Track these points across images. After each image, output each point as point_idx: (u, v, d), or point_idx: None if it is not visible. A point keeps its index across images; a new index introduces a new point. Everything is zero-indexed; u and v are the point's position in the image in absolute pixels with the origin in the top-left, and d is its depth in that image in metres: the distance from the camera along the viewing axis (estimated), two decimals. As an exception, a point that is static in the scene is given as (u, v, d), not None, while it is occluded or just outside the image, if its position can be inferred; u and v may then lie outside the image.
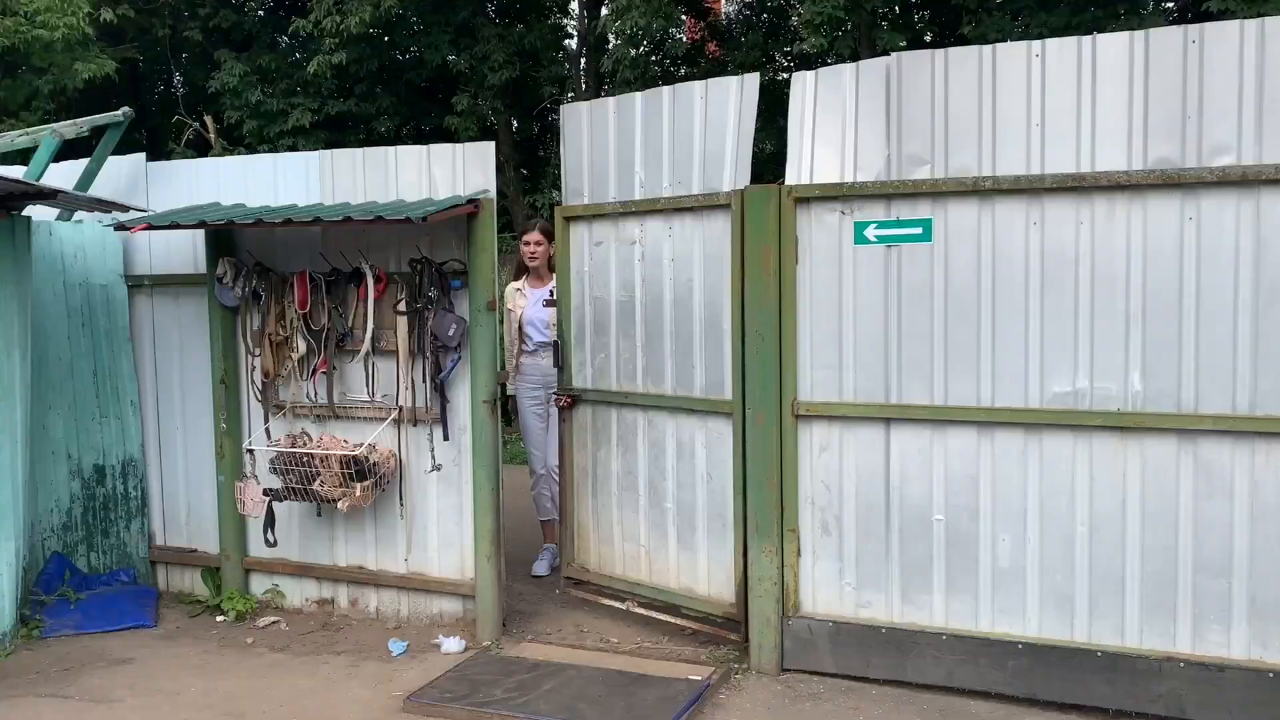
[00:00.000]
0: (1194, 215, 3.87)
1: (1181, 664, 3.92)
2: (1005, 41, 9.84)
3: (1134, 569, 4.00)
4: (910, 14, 10.59)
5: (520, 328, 5.87)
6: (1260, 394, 3.81)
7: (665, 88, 4.96)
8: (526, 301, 5.87)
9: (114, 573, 5.81)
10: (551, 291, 5.48)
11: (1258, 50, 3.76)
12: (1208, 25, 3.88)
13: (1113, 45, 3.97)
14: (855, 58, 10.25)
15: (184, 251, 5.62)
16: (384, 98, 13.35)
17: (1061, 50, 4.03)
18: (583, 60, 13.67)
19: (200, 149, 12.90)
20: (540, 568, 6.03)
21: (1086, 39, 4.03)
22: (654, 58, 13.27)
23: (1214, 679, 3.87)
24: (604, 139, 5.11)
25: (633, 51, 11.88)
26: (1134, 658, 3.97)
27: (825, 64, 11.64)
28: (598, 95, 13.89)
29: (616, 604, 5.16)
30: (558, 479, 5.53)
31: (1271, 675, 3.81)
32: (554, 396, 5.42)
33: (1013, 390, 4.12)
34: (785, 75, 13.25)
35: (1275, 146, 3.76)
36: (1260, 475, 3.83)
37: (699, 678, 4.41)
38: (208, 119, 13.01)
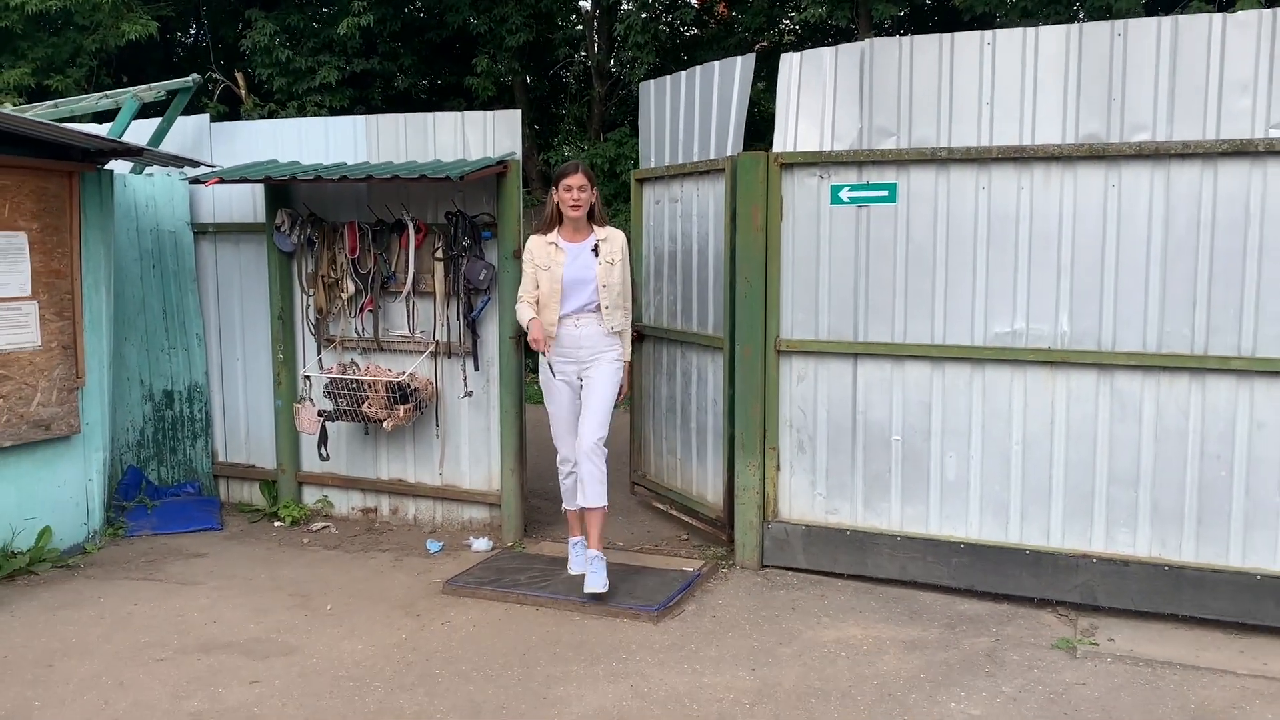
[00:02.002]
0: (1116, 183, 4.57)
1: (1094, 560, 4.69)
2: (993, 14, 10.48)
3: (1058, 481, 4.76)
4: (905, -14, 11.20)
5: (562, 289, 4.84)
6: (1165, 335, 4.53)
7: (698, 67, 5.72)
8: (566, 257, 4.84)
9: (181, 485, 6.62)
10: (596, 247, 4.86)
11: (1171, 45, 4.45)
12: (1131, 21, 4.56)
13: (1052, 36, 4.66)
14: (852, 26, 10.90)
15: (244, 202, 6.36)
16: (405, 56, 13.95)
17: (1009, 40, 4.71)
18: (595, 22, 14.24)
19: (231, 105, 13.57)
20: (596, 581, 4.80)
21: (1031, 30, 4.71)
22: (665, 18, 13.85)
23: (1120, 572, 4.64)
24: (662, 111, 6.09)
25: (644, 15, 12.48)
26: (1056, 555, 4.75)
27: (826, 30, 12.28)
28: (610, 57, 14.52)
29: (661, 506, 6.21)
30: (602, 452, 4.85)
31: (1167, 569, 4.57)
32: (617, 362, 4.92)
33: (961, 330, 4.86)
34: (791, 39, 13.87)
35: (1184, 126, 4.45)
36: (1164, 403, 4.56)
37: (691, 569, 5.22)
38: (238, 76, 13.65)
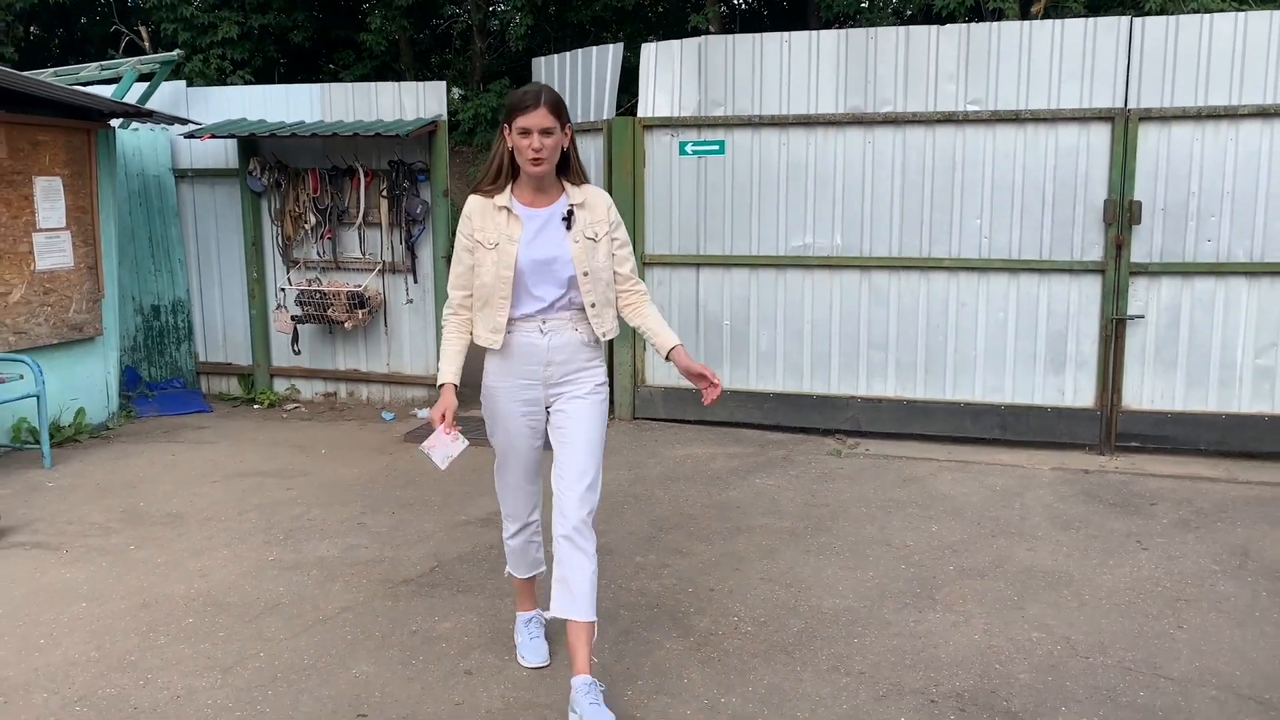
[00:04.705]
0: (871, 141, 6.68)
1: (860, 400, 6.88)
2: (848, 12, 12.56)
3: (835, 348, 6.91)
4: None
5: (515, 277, 3.24)
6: (904, 245, 6.70)
7: (580, 50, 7.54)
8: (522, 230, 3.24)
9: (169, 380, 8.22)
10: (569, 214, 3.27)
11: (905, 46, 6.55)
12: (880, 29, 6.66)
13: (829, 37, 6.71)
14: (700, 3, 12.81)
15: (218, 152, 7.94)
16: (299, 12, 15.24)
17: (800, 40, 6.73)
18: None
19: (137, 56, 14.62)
20: (532, 653, 3.68)
21: (814, 34, 6.76)
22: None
23: (876, 407, 6.85)
24: (550, 82, 7.79)
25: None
26: (834, 398, 6.92)
27: (684, 3, 14.15)
28: (488, 15, 16.08)
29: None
30: (593, 531, 3.29)
31: (906, 403, 6.79)
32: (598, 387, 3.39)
33: (769, 245, 6.93)
34: (651, 2, 15.69)
35: (914, 101, 6.57)
36: (903, 291, 6.74)
37: (584, 420, 7.21)
38: (142, 30, 14.71)
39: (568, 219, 3.29)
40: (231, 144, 7.79)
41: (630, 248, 3.44)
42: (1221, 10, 9.27)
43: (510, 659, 3.75)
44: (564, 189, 3.35)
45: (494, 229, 3.28)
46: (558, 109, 3.19)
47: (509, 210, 3.28)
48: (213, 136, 7.24)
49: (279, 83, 14.89)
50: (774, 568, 4.62)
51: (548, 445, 3.48)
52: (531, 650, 3.71)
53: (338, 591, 4.40)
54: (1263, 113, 6.00)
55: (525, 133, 3.18)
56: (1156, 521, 5.22)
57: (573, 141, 3.32)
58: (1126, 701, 3.46)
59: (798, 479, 5.98)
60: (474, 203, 3.34)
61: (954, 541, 4.95)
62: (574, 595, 3.23)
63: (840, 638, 3.93)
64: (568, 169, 3.35)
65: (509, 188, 3.31)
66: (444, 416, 3.36)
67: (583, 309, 3.34)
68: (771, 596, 4.31)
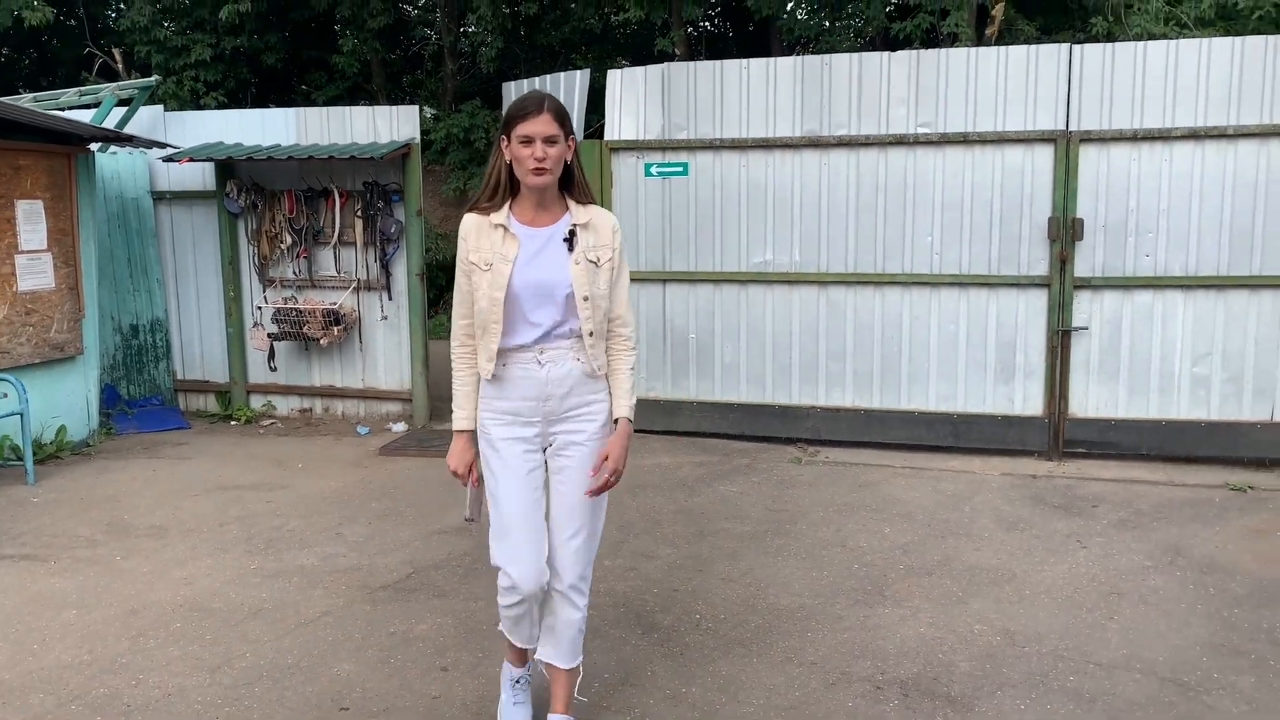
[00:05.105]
0: (826, 163, 6.98)
1: (820, 410, 7.15)
2: (780, 16, 12.99)
3: (795, 360, 7.19)
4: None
5: (508, 299, 3.02)
6: (859, 261, 6.99)
7: (548, 75, 7.80)
8: (519, 250, 3.02)
9: (147, 399, 8.38)
10: (571, 234, 3.04)
11: (858, 73, 6.86)
12: (835, 56, 6.97)
13: (786, 64, 7.02)
14: (666, 25, 13.16)
15: (195, 174, 8.13)
16: (272, 35, 15.45)
17: (758, 66, 7.03)
18: (445, 7, 16.03)
19: (110, 78, 14.77)
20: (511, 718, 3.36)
21: (772, 60, 7.06)
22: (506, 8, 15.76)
23: (835, 417, 7.13)
24: (569, 101, 7.94)
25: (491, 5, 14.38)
26: (795, 408, 7.19)
27: (651, 27, 14.47)
28: (460, 36, 16.34)
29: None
30: (586, 590, 3.21)
31: (864, 412, 7.07)
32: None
33: (732, 261, 7.20)
34: (619, 25, 16.01)
35: (867, 125, 6.88)
36: (859, 305, 7.04)
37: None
38: (115, 52, 14.86)
39: (570, 239, 3.04)
40: (209, 167, 7.98)
41: (628, 287, 3.18)
42: (1166, 35, 9.68)
43: (485, 656, 3.97)
44: (567, 207, 3.10)
45: (489, 248, 3.04)
46: (562, 117, 2.96)
47: (505, 228, 3.04)
48: (191, 160, 7.44)
49: (251, 104, 15.11)
50: (735, 569, 4.87)
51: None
52: (511, 716, 3.36)
53: (318, 597, 4.61)
54: (1194, 135, 6.35)
55: (527, 141, 2.94)
56: (1097, 522, 5.52)
57: (577, 155, 3.07)
58: (1058, 686, 3.73)
59: (760, 486, 6.23)
60: (470, 222, 3.10)
61: (905, 542, 5.22)
62: (559, 643, 3.22)
63: (795, 632, 4.18)
64: (571, 185, 3.11)
65: (507, 205, 3.07)
66: (470, 470, 3.16)
67: (578, 336, 3.07)
68: (732, 595, 4.56)
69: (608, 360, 3.16)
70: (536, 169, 2.95)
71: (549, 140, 2.95)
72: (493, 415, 3.14)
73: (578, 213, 3.09)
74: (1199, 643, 4.07)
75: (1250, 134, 6.27)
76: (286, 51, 15.84)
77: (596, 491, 3.08)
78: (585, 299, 3.04)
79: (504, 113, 3.05)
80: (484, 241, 3.06)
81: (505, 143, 3.01)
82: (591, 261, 3.05)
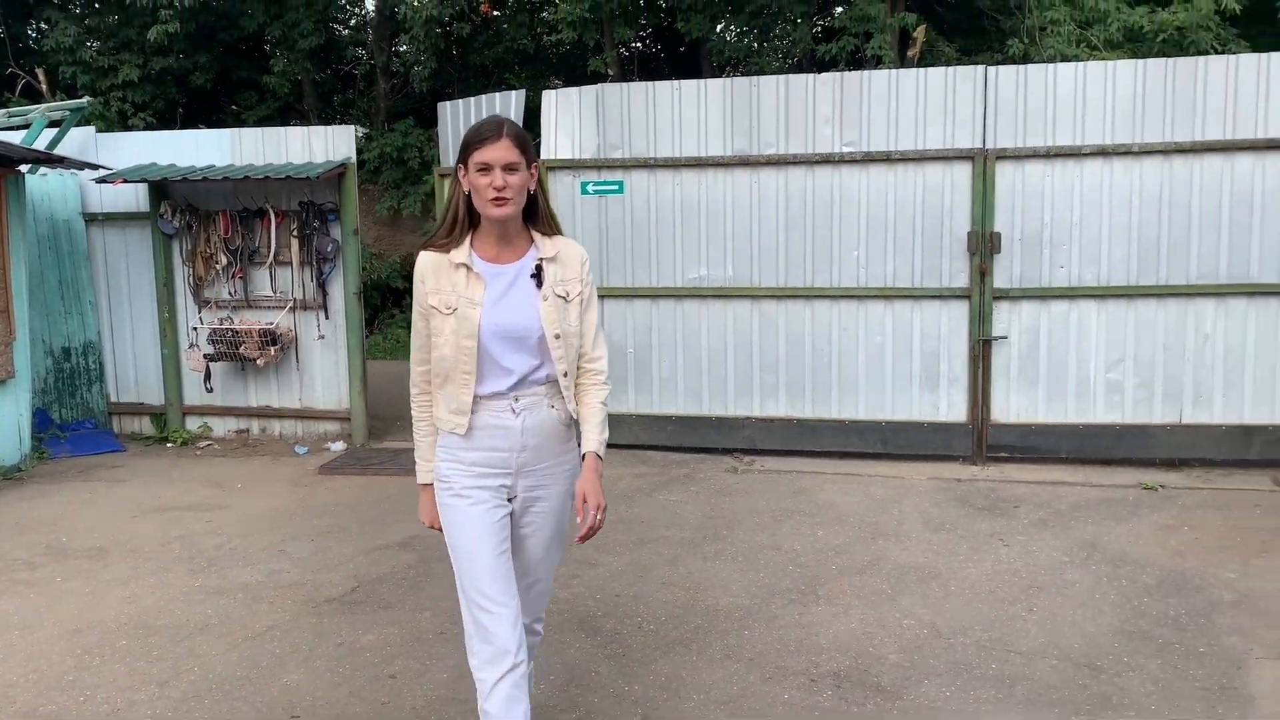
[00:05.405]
0: (757, 181, 7.21)
1: (755, 421, 7.35)
2: (710, 38, 13.27)
3: (730, 372, 7.39)
4: (639, 13, 13.78)
5: (479, 346, 2.83)
6: (789, 276, 7.22)
7: (484, 96, 7.89)
8: (485, 290, 2.84)
9: (80, 422, 8.29)
10: (539, 269, 2.86)
11: (785, 93, 7.10)
12: (763, 79, 7.21)
13: (716, 86, 7.24)
14: (599, 46, 13.37)
15: (128, 196, 8.09)
16: (201, 55, 15.33)
17: (690, 88, 7.24)
18: (370, 15, 16.03)
19: (34, 98, 14.52)
20: None
21: (703, 82, 7.28)
22: (440, 29, 15.80)
23: (770, 427, 7.33)
24: (457, 125, 8.01)
25: (421, 10, 14.21)
26: (731, 419, 7.38)
27: (584, 47, 14.66)
28: (391, 55, 16.36)
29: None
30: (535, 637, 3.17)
31: (797, 422, 7.29)
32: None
33: (667, 277, 7.38)
34: (551, 46, 16.18)
35: (795, 144, 7.12)
36: (790, 318, 7.26)
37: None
38: (39, 72, 14.61)
39: (537, 274, 2.85)
40: (142, 188, 7.96)
41: (598, 321, 3.01)
42: (1078, 57, 10.12)
43: (432, 663, 4.07)
44: (533, 240, 2.90)
45: (451, 291, 2.82)
46: (523, 142, 2.77)
47: (468, 268, 2.82)
48: (125, 181, 7.42)
49: (181, 124, 14.97)
50: (674, 574, 5.02)
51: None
52: None
53: (264, 611, 4.65)
54: (1102, 152, 6.69)
55: (485, 169, 2.74)
56: (1018, 522, 5.78)
57: (540, 184, 2.89)
58: (980, 673, 3.94)
59: (698, 494, 6.40)
60: (426, 261, 2.86)
61: (837, 544, 5.42)
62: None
63: (732, 631, 4.34)
64: (535, 216, 2.90)
65: (468, 240, 2.85)
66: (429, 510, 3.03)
67: (553, 381, 2.89)
68: (672, 599, 4.71)
69: (578, 396, 2.96)
70: (496, 199, 2.75)
71: (509, 168, 2.74)
72: (460, 469, 2.90)
73: (544, 245, 2.90)
74: (1111, 630, 4.31)
75: (1154, 151, 6.63)
76: (216, 72, 15.71)
77: (586, 536, 2.85)
78: (556, 336, 2.85)
79: (462, 140, 2.84)
80: (445, 283, 2.83)
81: (462, 171, 2.81)
82: (560, 296, 2.87)
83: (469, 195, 2.83)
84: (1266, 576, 4.85)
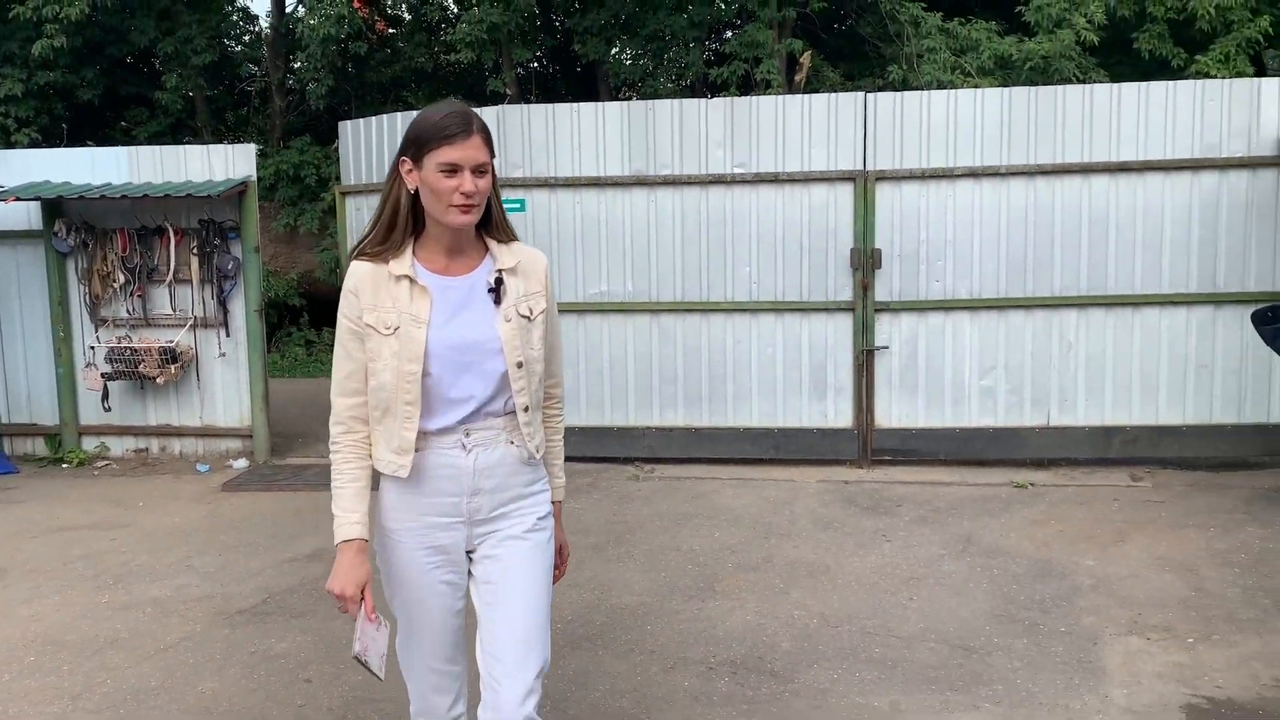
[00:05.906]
0: (654, 200, 7.50)
1: (655, 430, 7.63)
2: (607, 60, 13.57)
3: (631, 384, 7.65)
4: (536, 34, 14.04)
5: (426, 373, 2.42)
6: (685, 291, 7.52)
7: (385, 116, 8.01)
8: (433, 307, 2.43)
9: (-32, 444, 8.11)
10: (498, 282, 2.46)
11: (680, 116, 7.42)
12: (658, 102, 7.52)
13: (614, 109, 7.52)
14: (497, 66, 13.57)
15: (19, 214, 7.96)
16: (88, 70, 15.01)
17: (589, 110, 7.50)
18: (266, 32, 15.94)
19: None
20: None
21: (601, 105, 7.56)
22: (336, 46, 15.77)
23: (669, 435, 7.61)
24: (358, 144, 8.17)
25: (319, 29, 14.19)
26: (632, 429, 7.64)
27: (482, 67, 14.83)
28: (287, 73, 16.27)
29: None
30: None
31: (695, 430, 7.59)
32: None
33: (570, 292, 7.62)
34: (449, 65, 16.29)
35: (689, 165, 7.44)
36: (687, 331, 7.56)
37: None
38: (-84, 85, 14.11)
39: (495, 290, 2.45)
40: (35, 205, 7.85)
41: (560, 336, 2.66)
42: (954, 82, 10.74)
43: (345, 667, 4.20)
44: (487, 249, 2.49)
45: (391, 307, 2.39)
46: (490, 140, 2.39)
47: (411, 280, 2.40)
48: (18, 199, 7.33)
49: (66, 140, 14.61)
50: (580, 576, 5.24)
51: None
52: None
53: (175, 624, 4.72)
54: (972, 173, 7.18)
55: (451, 171, 2.33)
56: (900, 519, 6.16)
57: (495, 185, 2.46)
58: (865, 657, 4.27)
59: (601, 502, 6.63)
60: (360, 272, 2.43)
61: (733, 544, 5.72)
62: None
63: (635, 626, 4.59)
64: (489, 221, 2.49)
65: (409, 249, 2.43)
66: (363, 595, 2.41)
67: (510, 413, 2.46)
68: (578, 599, 4.93)
69: (556, 437, 2.65)
70: (464, 205, 2.35)
71: (479, 170, 2.36)
72: (402, 519, 2.47)
73: (501, 255, 2.49)
74: (983, 614, 4.69)
75: (1019, 172, 7.15)
76: (104, 87, 15.39)
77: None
78: (519, 365, 2.44)
79: (413, 129, 2.40)
80: (383, 298, 2.40)
81: (409, 167, 2.38)
82: (524, 316, 2.47)
83: (414, 195, 2.40)
84: (1121, 563, 5.31)
